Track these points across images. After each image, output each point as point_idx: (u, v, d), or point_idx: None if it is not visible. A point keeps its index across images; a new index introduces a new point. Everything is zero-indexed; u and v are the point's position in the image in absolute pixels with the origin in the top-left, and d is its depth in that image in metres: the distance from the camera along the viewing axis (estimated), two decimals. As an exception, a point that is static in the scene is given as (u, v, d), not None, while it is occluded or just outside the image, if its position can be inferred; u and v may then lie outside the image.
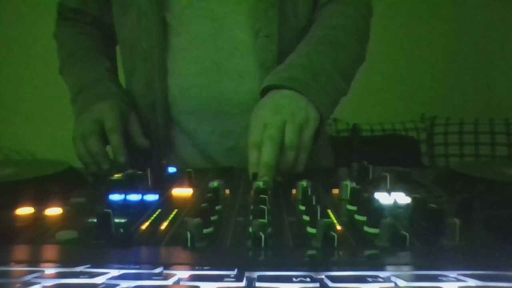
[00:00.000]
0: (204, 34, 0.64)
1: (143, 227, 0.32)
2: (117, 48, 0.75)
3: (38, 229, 0.32)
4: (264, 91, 0.57)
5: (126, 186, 0.43)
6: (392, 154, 1.83)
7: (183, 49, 0.65)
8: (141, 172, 0.48)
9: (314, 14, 0.69)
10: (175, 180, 0.49)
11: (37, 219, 0.34)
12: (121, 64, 0.72)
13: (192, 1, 0.63)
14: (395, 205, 0.39)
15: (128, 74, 0.71)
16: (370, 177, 0.49)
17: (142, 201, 0.40)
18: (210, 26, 0.64)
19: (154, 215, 0.35)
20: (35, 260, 0.25)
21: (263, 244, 0.27)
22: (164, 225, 0.33)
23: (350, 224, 0.33)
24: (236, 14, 0.64)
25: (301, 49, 0.61)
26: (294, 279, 0.21)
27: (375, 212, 0.32)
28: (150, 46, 0.64)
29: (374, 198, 0.39)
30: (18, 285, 0.20)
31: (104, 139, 0.59)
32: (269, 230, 0.29)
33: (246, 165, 0.49)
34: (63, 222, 0.34)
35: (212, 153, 0.69)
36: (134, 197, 0.40)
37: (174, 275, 0.22)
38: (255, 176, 0.46)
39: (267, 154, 0.47)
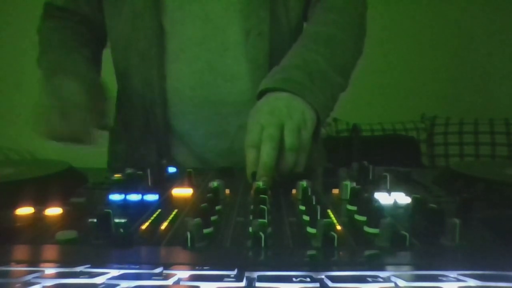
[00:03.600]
0: (197, 35, 0.64)
1: (143, 227, 0.32)
2: (107, 49, 0.73)
3: (38, 229, 0.32)
4: (260, 95, 0.57)
5: (126, 186, 0.43)
6: (392, 154, 1.83)
7: (177, 51, 0.65)
8: (141, 172, 0.48)
9: (308, 12, 0.69)
10: (175, 180, 0.49)
11: (37, 219, 0.34)
12: (113, 64, 0.71)
13: (184, 3, 0.63)
14: (395, 205, 0.39)
15: (121, 75, 0.70)
16: (370, 177, 0.49)
17: (142, 201, 0.40)
18: (202, 28, 0.64)
19: (154, 215, 0.35)
20: (35, 260, 0.25)
21: (263, 244, 0.27)
22: (164, 225, 0.33)
23: (350, 224, 0.33)
24: (228, 14, 0.64)
25: (295, 49, 0.61)
26: (294, 279, 0.21)
27: (375, 212, 0.32)
28: (148, 47, 0.64)
29: (374, 198, 0.39)
30: (18, 285, 0.20)
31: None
32: (269, 230, 0.29)
33: (244, 165, 0.49)
34: (63, 222, 0.34)
35: (207, 156, 0.69)
36: (134, 197, 0.40)
37: (174, 275, 0.22)
38: (254, 176, 0.46)
39: (266, 154, 0.47)
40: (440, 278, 0.21)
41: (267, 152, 0.47)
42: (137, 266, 0.23)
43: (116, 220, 0.30)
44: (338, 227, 0.32)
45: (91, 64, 0.65)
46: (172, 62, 0.65)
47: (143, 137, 0.68)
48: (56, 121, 0.54)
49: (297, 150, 0.50)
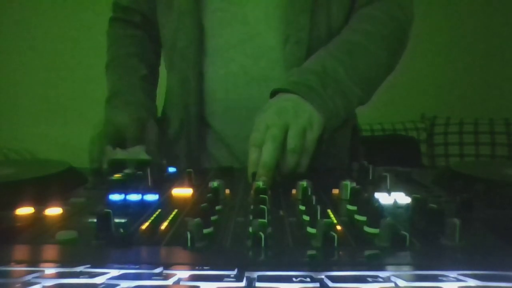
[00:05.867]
0: (235, 38, 0.64)
1: (143, 227, 0.32)
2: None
3: (38, 229, 0.32)
4: (273, 95, 0.57)
5: (126, 186, 0.43)
6: (392, 154, 1.82)
7: (215, 52, 0.66)
8: (141, 172, 0.48)
9: (350, 18, 0.67)
10: (175, 180, 0.49)
11: (37, 219, 0.34)
12: (163, 60, 0.75)
13: (225, 4, 0.64)
14: (395, 205, 0.39)
15: (167, 72, 0.73)
16: (370, 177, 0.49)
17: (142, 201, 0.40)
18: (241, 31, 0.64)
19: (154, 215, 0.35)
20: (35, 260, 0.25)
21: (263, 244, 0.27)
22: (164, 225, 0.33)
23: (350, 224, 0.33)
24: (268, 19, 0.63)
25: (319, 53, 0.61)
26: (294, 279, 0.21)
27: (375, 212, 0.32)
28: (186, 46, 0.65)
29: (374, 198, 0.39)
30: (18, 285, 0.20)
31: (118, 144, 0.62)
32: (269, 230, 0.29)
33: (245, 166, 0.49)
34: (63, 222, 0.34)
35: (238, 154, 0.69)
36: (134, 197, 0.40)
37: (174, 275, 0.22)
38: (254, 176, 0.46)
39: (267, 154, 0.47)
40: (440, 278, 0.21)
41: (268, 153, 0.47)
42: (137, 266, 0.23)
43: (116, 220, 0.30)
44: (338, 227, 0.32)
45: (146, 83, 0.72)
46: (210, 63, 0.66)
47: (177, 135, 0.70)
48: (95, 144, 0.60)
49: (299, 152, 0.50)
